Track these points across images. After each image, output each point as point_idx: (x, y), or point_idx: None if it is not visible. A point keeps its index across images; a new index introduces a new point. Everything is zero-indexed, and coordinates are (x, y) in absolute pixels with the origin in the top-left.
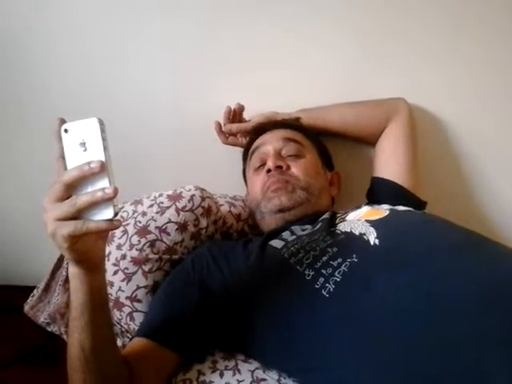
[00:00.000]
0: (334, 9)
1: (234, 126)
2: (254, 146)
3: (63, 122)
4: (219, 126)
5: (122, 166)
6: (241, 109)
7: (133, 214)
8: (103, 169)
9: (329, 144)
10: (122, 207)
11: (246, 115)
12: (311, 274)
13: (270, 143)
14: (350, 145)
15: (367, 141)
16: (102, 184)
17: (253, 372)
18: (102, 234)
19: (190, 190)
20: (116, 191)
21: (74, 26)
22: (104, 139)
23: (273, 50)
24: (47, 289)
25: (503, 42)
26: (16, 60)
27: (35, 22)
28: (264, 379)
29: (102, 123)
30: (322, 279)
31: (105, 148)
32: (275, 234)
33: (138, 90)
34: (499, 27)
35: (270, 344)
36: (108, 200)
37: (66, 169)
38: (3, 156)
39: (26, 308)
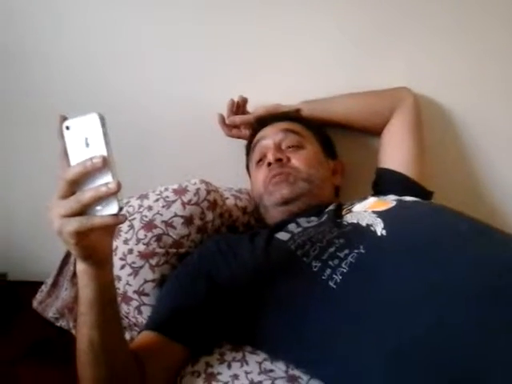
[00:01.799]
0: (337, 0)
1: (238, 118)
2: (255, 140)
3: (64, 119)
4: (223, 118)
5: (128, 160)
6: (244, 101)
7: (139, 208)
8: (106, 164)
9: (333, 134)
10: (128, 202)
11: (249, 108)
12: (318, 265)
13: (269, 136)
14: (354, 135)
15: (372, 131)
16: (106, 179)
17: (260, 363)
18: (109, 230)
19: (195, 183)
20: (119, 185)
21: (76, 23)
22: (105, 134)
23: (275, 42)
24: (55, 284)
25: (507, 29)
26: (17, 59)
27: (37, 19)
28: (272, 370)
29: (102, 118)
30: (329, 270)
31: (106, 143)
32: (281, 226)
33: (142, 84)
34: (502, 15)
35: (278, 335)
36: (112, 195)
37: (69, 166)
38: (9, 155)
39: (35, 303)
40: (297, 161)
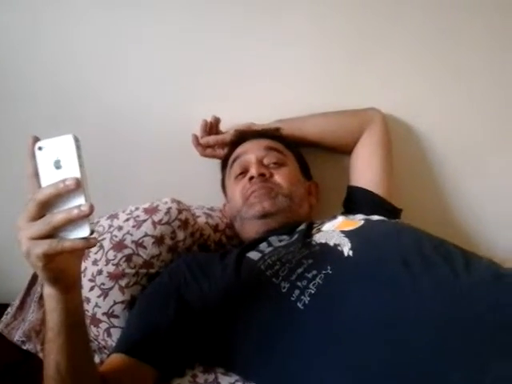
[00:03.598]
0: (310, 20)
1: (211, 138)
2: (234, 155)
3: (37, 139)
4: (196, 138)
5: (97, 179)
6: (217, 121)
7: (109, 228)
8: (79, 186)
9: (305, 154)
10: (98, 222)
11: (222, 127)
12: (287, 286)
13: (251, 151)
14: (325, 154)
15: (343, 150)
16: (78, 201)
17: None
18: (78, 253)
19: (166, 202)
20: (92, 208)
21: (56, 37)
22: (79, 156)
23: (247, 60)
24: (22, 306)
25: (473, 49)
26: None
27: (24, 26)
28: None
29: (77, 140)
30: (297, 291)
31: (80, 165)
32: (252, 245)
33: (114, 102)
34: (468, 36)
35: (248, 357)
36: (84, 217)
37: (39, 187)
38: None
39: (0, 326)
40: (279, 177)
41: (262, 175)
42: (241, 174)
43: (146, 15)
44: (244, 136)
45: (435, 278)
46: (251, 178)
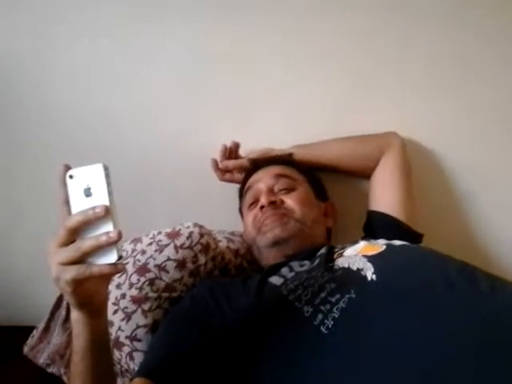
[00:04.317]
0: (326, 45)
1: (231, 163)
2: (247, 184)
3: (68, 168)
4: (216, 163)
5: (122, 204)
6: (236, 146)
7: (132, 252)
8: (108, 213)
9: (324, 177)
10: (122, 246)
11: (241, 152)
12: (310, 310)
13: (262, 181)
14: (345, 178)
15: (362, 174)
16: (106, 228)
17: None
18: (105, 278)
19: (188, 227)
20: (120, 235)
21: (71, 69)
22: (109, 184)
23: (266, 86)
24: (47, 329)
25: (499, 76)
26: (14, 111)
27: (34, 51)
28: None
29: (106, 168)
30: (320, 315)
31: (109, 193)
32: (274, 270)
33: (137, 130)
34: (492, 60)
35: (271, 382)
36: (112, 244)
37: (70, 214)
38: (5, 198)
39: (26, 349)
40: (290, 201)
41: (272, 203)
42: (253, 203)
43: (164, 41)
44: (257, 164)
45: (461, 303)
46: (262, 207)
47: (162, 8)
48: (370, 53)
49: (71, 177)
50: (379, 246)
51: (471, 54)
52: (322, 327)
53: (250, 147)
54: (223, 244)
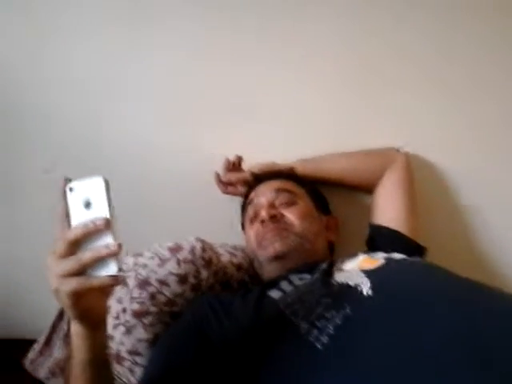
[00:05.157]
0: (330, 58)
1: (233, 176)
2: (249, 199)
3: (68, 180)
4: (218, 176)
5: (123, 218)
6: (239, 159)
7: (133, 266)
8: (108, 226)
9: (326, 191)
10: (122, 259)
11: (244, 166)
12: (306, 326)
13: (263, 195)
14: (347, 192)
15: (365, 189)
16: (107, 240)
17: None
18: (105, 291)
19: (190, 241)
20: (121, 247)
21: (70, 76)
22: (109, 197)
23: (270, 100)
24: (48, 342)
25: (504, 88)
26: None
27: (30, 63)
28: None
29: (107, 182)
30: (316, 331)
31: (110, 205)
32: (274, 283)
33: (139, 141)
34: (497, 71)
35: None
36: (112, 256)
37: (70, 226)
38: (10, 213)
39: (27, 362)
40: (290, 215)
41: (272, 217)
42: (254, 217)
43: (162, 47)
44: (259, 178)
45: (462, 320)
46: (262, 221)
47: (160, 10)
48: (375, 66)
49: (71, 189)
50: (378, 259)
51: (477, 64)
52: (317, 343)
53: (254, 161)
54: (225, 258)
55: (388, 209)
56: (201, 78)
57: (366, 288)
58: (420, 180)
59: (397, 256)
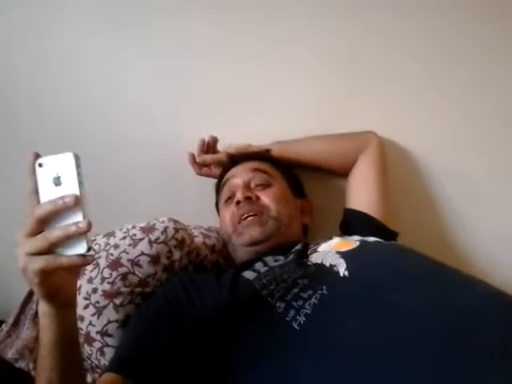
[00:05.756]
0: (308, 41)
1: (208, 157)
2: (224, 179)
3: (38, 156)
4: (193, 157)
5: (95, 197)
6: (214, 140)
7: (105, 246)
8: (77, 203)
9: (302, 174)
10: (94, 239)
11: (219, 147)
12: (282, 306)
13: (239, 175)
14: (323, 175)
15: (339, 172)
16: (76, 218)
17: None
18: (74, 270)
19: (163, 221)
20: (90, 225)
21: (47, 65)
22: (79, 174)
23: (248, 83)
24: (16, 323)
25: (478, 75)
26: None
27: (26, 45)
28: None
29: (77, 158)
30: (292, 311)
31: (80, 183)
32: (248, 264)
33: (112, 122)
34: (469, 64)
35: (243, 379)
36: (81, 234)
37: (39, 203)
38: None
39: None
40: (265, 198)
41: (248, 198)
42: (229, 198)
43: (150, 36)
44: (234, 159)
45: (431, 300)
46: (238, 202)
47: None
48: (357, 53)
49: (40, 165)
50: (353, 241)
51: (452, 55)
52: (294, 323)
53: (229, 142)
54: (199, 239)
55: (362, 194)
56: (175, 62)
57: (341, 269)
58: (395, 166)
59: (372, 239)
